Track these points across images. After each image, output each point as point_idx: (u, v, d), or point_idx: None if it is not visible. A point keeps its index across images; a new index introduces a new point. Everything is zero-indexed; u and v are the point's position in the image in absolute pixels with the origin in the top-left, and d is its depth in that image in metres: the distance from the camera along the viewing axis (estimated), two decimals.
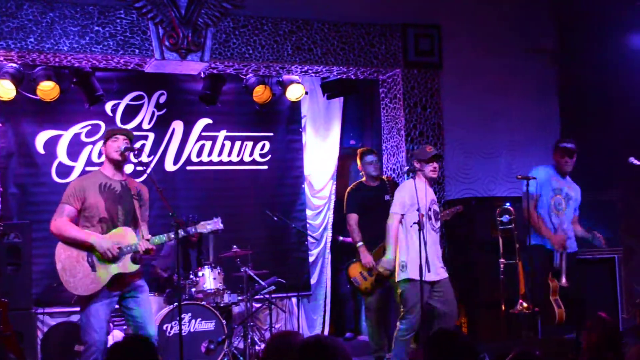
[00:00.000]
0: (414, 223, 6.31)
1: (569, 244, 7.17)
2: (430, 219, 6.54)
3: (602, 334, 4.41)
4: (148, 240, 5.61)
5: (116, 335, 7.70)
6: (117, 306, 5.79)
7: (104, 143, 5.80)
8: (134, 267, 5.61)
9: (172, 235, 5.64)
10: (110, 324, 7.45)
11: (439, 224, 6.65)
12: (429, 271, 6.23)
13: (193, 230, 5.80)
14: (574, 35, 9.06)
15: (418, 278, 6.22)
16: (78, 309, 7.73)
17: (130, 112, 8.76)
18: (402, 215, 6.54)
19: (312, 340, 3.44)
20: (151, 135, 8.86)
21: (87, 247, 5.55)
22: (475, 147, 8.90)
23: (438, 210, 6.67)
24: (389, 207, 6.94)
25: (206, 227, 5.83)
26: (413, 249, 6.41)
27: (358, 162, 7.88)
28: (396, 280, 6.60)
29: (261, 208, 8.88)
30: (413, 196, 6.39)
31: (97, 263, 5.55)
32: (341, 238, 9.40)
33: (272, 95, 9.01)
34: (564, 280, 6.91)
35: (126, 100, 8.76)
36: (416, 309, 6.39)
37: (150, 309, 5.87)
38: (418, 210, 6.32)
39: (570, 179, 7.39)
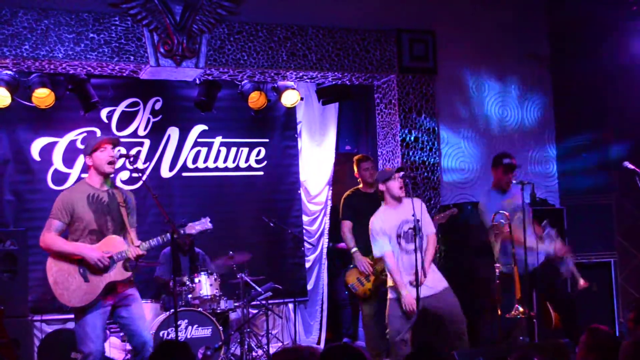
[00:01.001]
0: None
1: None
2: (399, 244, 6.43)
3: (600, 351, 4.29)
4: (138, 246, 5.60)
5: (113, 342, 7.69)
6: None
7: (90, 154, 5.73)
8: (127, 274, 5.61)
9: (161, 240, 5.64)
10: (107, 331, 7.44)
11: (411, 244, 6.32)
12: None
13: (182, 232, 5.77)
14: (568, 41, 9.09)
15: (393, 297, 6.40)
16: (74, 316, 7.77)
17: (126, 119, 8.76)
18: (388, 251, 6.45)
19: (338, 346, 3.43)
20: (147, 142, 8.86)
21: (77, 259, 5.56)
22: (471, 152, 8.91)
23: (412, 228, 6.31)
24: None
25: (195, 227, 5.81)
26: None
27: (355, 168, 7.90)
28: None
29: (257, 214, 8.90)
30: (382, 229, 6.43)
31: (89, 274, 5.56)
32: (331, 244, 9.42)
33: (267, 102, 9.02)
34: (582, 282, 6.91)
35: (121, 107, 8.76)
36: (391, 321, 6.40)
37: (143, 316, 5.86)
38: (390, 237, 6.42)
39: (510, 191, 7.22)
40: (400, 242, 6.45)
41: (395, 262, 6.41)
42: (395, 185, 6.48)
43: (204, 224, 5.82)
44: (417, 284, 6.21)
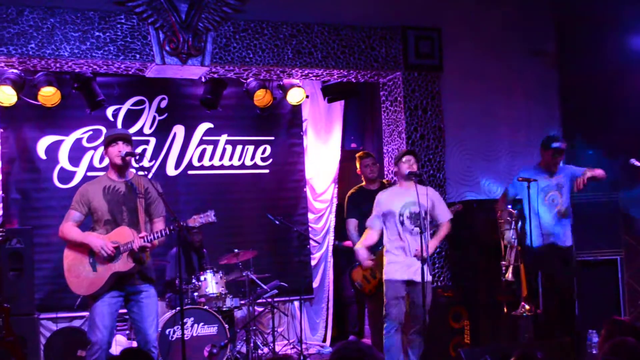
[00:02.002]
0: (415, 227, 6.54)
1: (562, 238, 7.19)
2: (402, 223, 6.63)
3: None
4: (142, 237, 5.62)
5: (119, 340, 7.70)
6: (123, 309, 5.87)
7: (105, 148, 5.85)
8: (130, 265, 5.64)
9: (163, 232, 5.65)
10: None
11: (414, 226, 6.60)
12: (405, 272, 6.53)
13: (185, 224, 5.75)
14: (574, 37, 9.07)
15: (392, 279, 6.60)
16: (81, 314, 7.80)
17: (132, 117, 8.78)
18: (372, 226, 6.81)
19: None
20: (152, 140, 8.88)
21: (89, 249, 5.66)
22: (476, 150, 8.90)
23: (417, 212, 6.52)
24: None
25: (198, 220, 5.80)
26: (390, 253, 6.70)
27: (357, 165, 7.90)
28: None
29: (263, 212, 8.90)
30: (379, 202, 6.77)
31: (98, 264, 5.65)
32: (336, 242, 9.43)
33: (273, 99, 9.03)
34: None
35: (127, 105, 8.78)
36: (392, 304, 6.56)
37: (153, 314, 5.86)
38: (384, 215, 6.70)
39: (556, 173, 7.37)
40: (404, 220, 6.63)
41: (368, 240, 6.84)
42: (404, 166, 6.68)
43: (208, 216, 5.80)
44: (422, 280, 6.25)
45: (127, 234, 5.66)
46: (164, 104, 8.94)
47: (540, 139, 8.90)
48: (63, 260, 5.76)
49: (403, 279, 6.56)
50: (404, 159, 6.69)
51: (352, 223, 7.63)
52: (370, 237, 6.83)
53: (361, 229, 7.53)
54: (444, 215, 6.82)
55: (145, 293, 5.79)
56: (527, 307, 6.85)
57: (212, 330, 7.50)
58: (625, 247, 8.24)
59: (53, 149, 8.49)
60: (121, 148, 5.75)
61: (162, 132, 8.93)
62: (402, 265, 6.58)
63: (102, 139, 7.99)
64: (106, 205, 5.71)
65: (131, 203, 5.77)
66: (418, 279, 6.43)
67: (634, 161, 6.85)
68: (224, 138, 9.20)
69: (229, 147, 9.23)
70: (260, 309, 8.54)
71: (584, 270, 8.06)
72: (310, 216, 9.62)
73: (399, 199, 6.67)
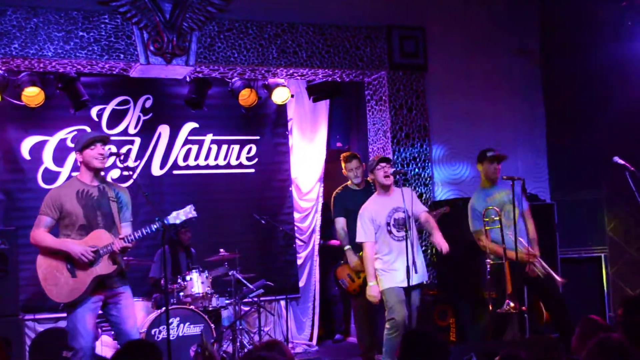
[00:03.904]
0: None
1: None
2: (390, 232, 6.60)
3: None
4: (122, 238, 5.60)
5: (105, 341, 7.68)
6: (101, 312, 5.81)
7: (80, 151, 5.73)
8: (112, 268, 5.60)
9: (145, 232, 5.62)
10: (99, 330, 7.44)
11: (402, 232, 6.55)
12: (404, 278, 6.40)
13: (166, 221, 5.72)
14: (559, 36, 9.11)
15: (392, 286, 6.53)
16: (65, 314, 7.76)
17: (116, 117, 8.75)
18: (369, 241, 6.65)
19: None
20: (137, 140, 8.85)
21: (65, 255, 5.58)
22: (462, 148, 8.92)
23: (402, 217, 6.55)
24: None
25: (178, 217, 5.77)
26: (383, 263, 6.63)
27: (343, 166, 7.87)
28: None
29: (248, 211, 8.91)
30: (371, 218, 6.62)
31: (77, 270, 5.57)
32: (322, 241, 9.43)
33: (258, 99, 9.02)
34: (558, 279, 6.90)
35: (112, 105, 8.75)
36: (396, 309, 6.49)
37: (133, 314, 5.84)
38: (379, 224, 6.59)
39: (498, 184, 7.18)
40: (391, 229, 6.60)
41: (372, 253, 6.62)
42: (379, 174, 6.64)
43: (188, 212, 5.77)
44: (408, 279, 6.27)
45: (105, 237, 5.61)
46: (148, 103, 8.92)
47: (526, 137, 8.97)
48: (37, 269, 5.66)
49: (404, 285, 6.48)
50: (378, 166, 6.64)
51: (341, 222, 7.61)
52: (372, 249, 6.69)
53: (348, 228, 7.53)
54: (421, 207, 6.88)
55: (123, 295, 5.75)
56: (511, 304, 6.86)
57: (198, 330, 7.49)
58: (609, 244, 8.29)
59: (37, 149, 8.44)
60: (100, 150, 5.67)
61: (147, 132, 8.90)
62: (398, 272, 6.52)
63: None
64: (81, 210, 5.62)
65: (105, 207, 5.71)
66: (412, 282, 6.45)
67: (617, 159, 6.87)
68: (209, 138, 9.18)
69: (214, 147, 9.22)
70: (247, 309, 8.54)
71: (568, 268, 8.10)
72: (296, 215, 9.62)
73: (383, 208, 6.63)
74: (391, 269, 6.59)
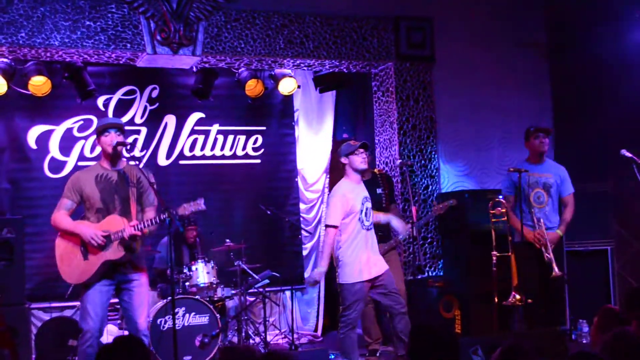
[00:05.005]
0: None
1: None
2: (360, 221, 6.39)
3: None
4: (133, 226, 5.61)
5: (110, 330, 7.70)
6: (114, 299, 5.91)
7: (97, 137, 5.85)
8: (121, 254, 5.64)
9: (153, 221, 5.64)
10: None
11: (370, 221, 6.45)
12: (367, 271, 6.33)
13: (174, 212, 5.71)
14: (566, 28, 9.07)
15: (354, 281, 6.34)
16: (72, 303, 7.79)
17: (123, 107, 8.74)
18: (337, 226, 6.39)
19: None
20: (144, 130, 8.85)
21: (80, 238, 5.67)
22: (468, 140, 8.91)
23: (370, 207, 6.48)
24: (381, 200, 7.00)
25: (187, 209, 5.77)
26: (349, 252, 6.41)
27: None
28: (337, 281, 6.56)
29: (254, 202, 8.89)
30: (346, 203, 6.35)
31: (89, 253, 5.66)
32: None
33: (264, 89, 8.99)
34: (556, 270, 6.92)
35: (118, 95, 8.74)
36: (354, 307, 6.36)
37: (144, 303, 5.86)
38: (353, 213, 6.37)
39: (548, 163, 7.37)
40: (362, 218, 6.39)
41: (334, 239, 6.39)
42: (357, 159, 6.43)
43: (198, 204, 5.77)
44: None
45: (118, 223, 5.66)
46: (155, 93, 8.91)
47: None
48: (55, 250, 5.77)
49: (369, 279, 6.36)
50: (357, 152, 6.43)
51: None
52: (334, 235, 6.47)
53: None
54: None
55: (136, 282, 5.80)
56: (517, 296, 6.86)
57: (203, 319, 7.49)
58: (616, 237, 8.26)
59: (44, 138, 8.45)
60: (113, 137, 5.75)
61: (153, 121, 8.90)
62: (364, 264, 6.37)
63: (93, 128, 7.99)
64: (98, 193, 5.72)
65: (123, 192, 5.77)
66: (382, 270, 6.39)
67: (624, 152, 6.85)
68: (215, 128, 9.18)
69: (220, 137, 9.21)
70: (252, 299, 8.55)
71: (574, 261, 8.09)
72: (302, 206, 9.62)
73: (358, 195, 6.45)
74: (356, 260, 6.37)
